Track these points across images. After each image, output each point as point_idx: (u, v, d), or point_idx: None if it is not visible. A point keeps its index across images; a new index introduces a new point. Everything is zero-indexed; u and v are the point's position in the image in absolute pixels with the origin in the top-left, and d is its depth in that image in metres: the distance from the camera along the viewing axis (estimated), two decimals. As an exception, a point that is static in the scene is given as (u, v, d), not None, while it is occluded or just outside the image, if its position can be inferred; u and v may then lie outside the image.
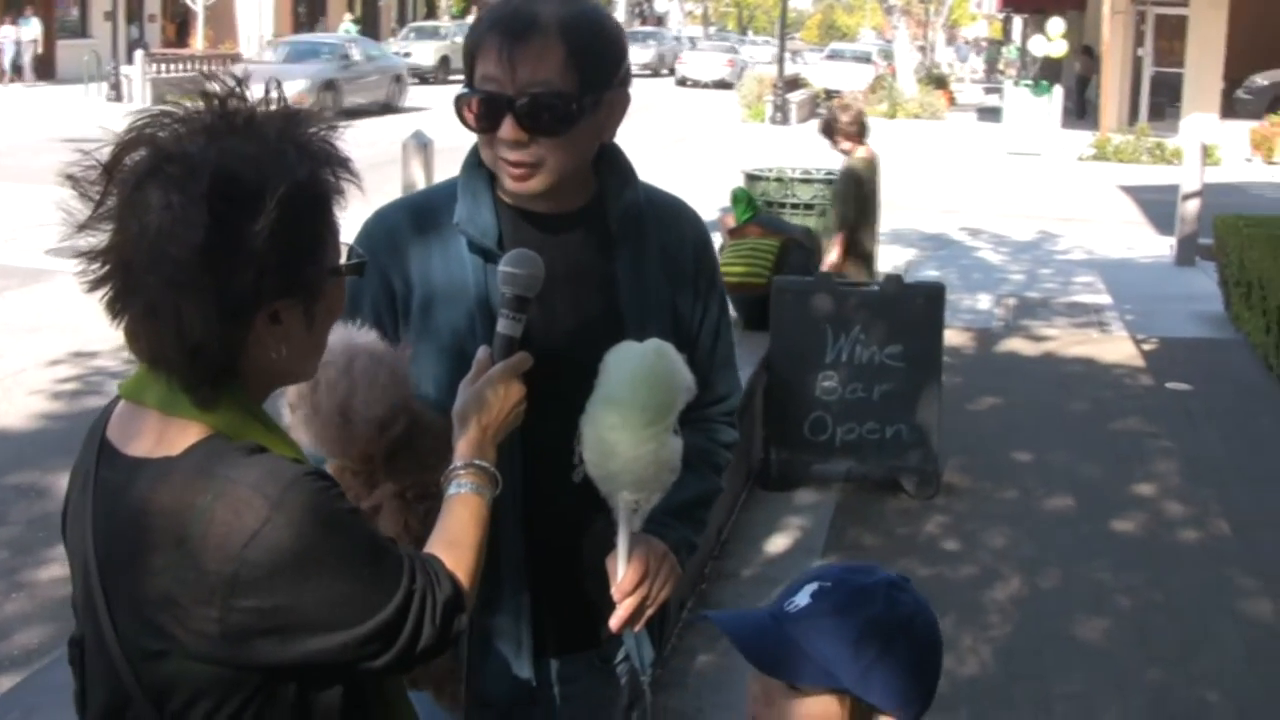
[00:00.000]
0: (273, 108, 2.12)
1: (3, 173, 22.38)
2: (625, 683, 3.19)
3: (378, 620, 2.09)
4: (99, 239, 2.05)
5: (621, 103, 2.85)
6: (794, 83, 43.50)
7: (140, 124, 2.09)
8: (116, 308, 2.07)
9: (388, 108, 39.06)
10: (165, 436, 2.09)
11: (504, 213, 2.86)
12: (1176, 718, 5.99)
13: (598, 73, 2.75)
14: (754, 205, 10.03)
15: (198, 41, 48.32)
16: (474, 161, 2.90)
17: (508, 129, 2.69)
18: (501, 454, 2.56)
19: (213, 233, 1.98)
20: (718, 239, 10.42)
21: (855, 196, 10.21)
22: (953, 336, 11.48)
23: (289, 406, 2.60)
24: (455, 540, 2.34)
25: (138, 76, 36.73)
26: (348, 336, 2.60)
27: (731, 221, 9.92)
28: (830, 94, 45.69)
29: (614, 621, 2.80)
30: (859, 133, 10.54)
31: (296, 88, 28.90)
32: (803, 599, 2.30)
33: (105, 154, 2.07)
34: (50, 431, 9.63)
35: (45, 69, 44.69)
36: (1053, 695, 6.09)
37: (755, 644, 2.32)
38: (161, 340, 2.05)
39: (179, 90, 2.12)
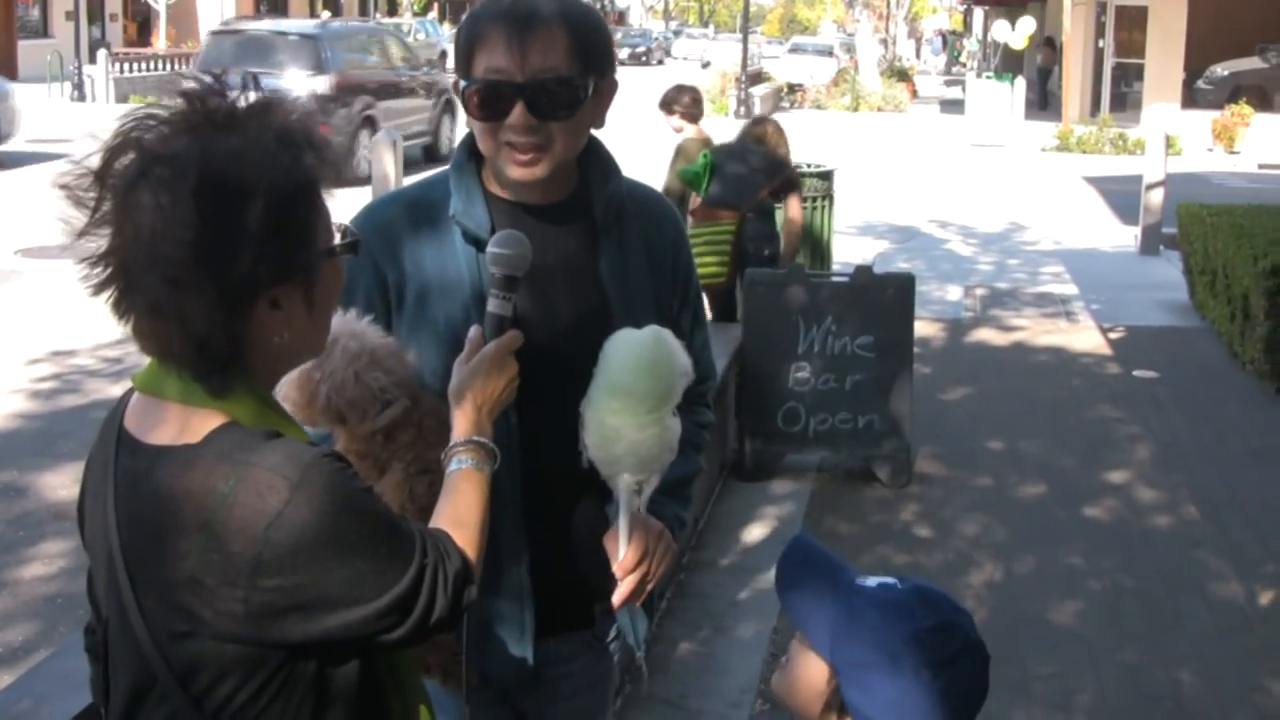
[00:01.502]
0: (252, 100, 2.17)
1: (-32, 174, 22.28)
2: (617, 660, 3.29)
3: (394, 594, 2.15)
4: (99, 244, 2.11)
5: (611, 90, 2.95)
6: (757, 77, 43.54)
7: (126, 128, 2.14)
8: (121, 308, 2.13)
9: None
10: (186, 425, 2.14)
11: (495, 205, 2.94)
12: (1150, 696, 6.08)
13: (596, 60, 2.85)
14: (707, 168, 9.69)
15: (160, 40, 48.10)
16: (463, 158, 2.98)
17: (518, 115, 2.77)
18: (498, 440, 2.64)
19: (205, 229, 2.04)
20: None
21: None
22: (923, 327, 11.56)
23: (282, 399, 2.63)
24: (460, 516, 2.41)
25: (101, 76, 36.57)
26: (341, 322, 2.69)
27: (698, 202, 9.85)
28: (794, 88, 45.83)
29: (616, 598, 2.88)
30: (695, 115, 11.00)
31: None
32: (872, 582, 2.39)
33: (95, 160, 2.12)
34: (28, 431, 9.65)
35: (7, 69, 44.50)
36: (1030, 676, 6.18)
37: (810, 571, 2.45)
38: (168, 337, 2.11)
39: (159, 91, 2.18)
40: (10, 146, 24.02)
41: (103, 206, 2.11)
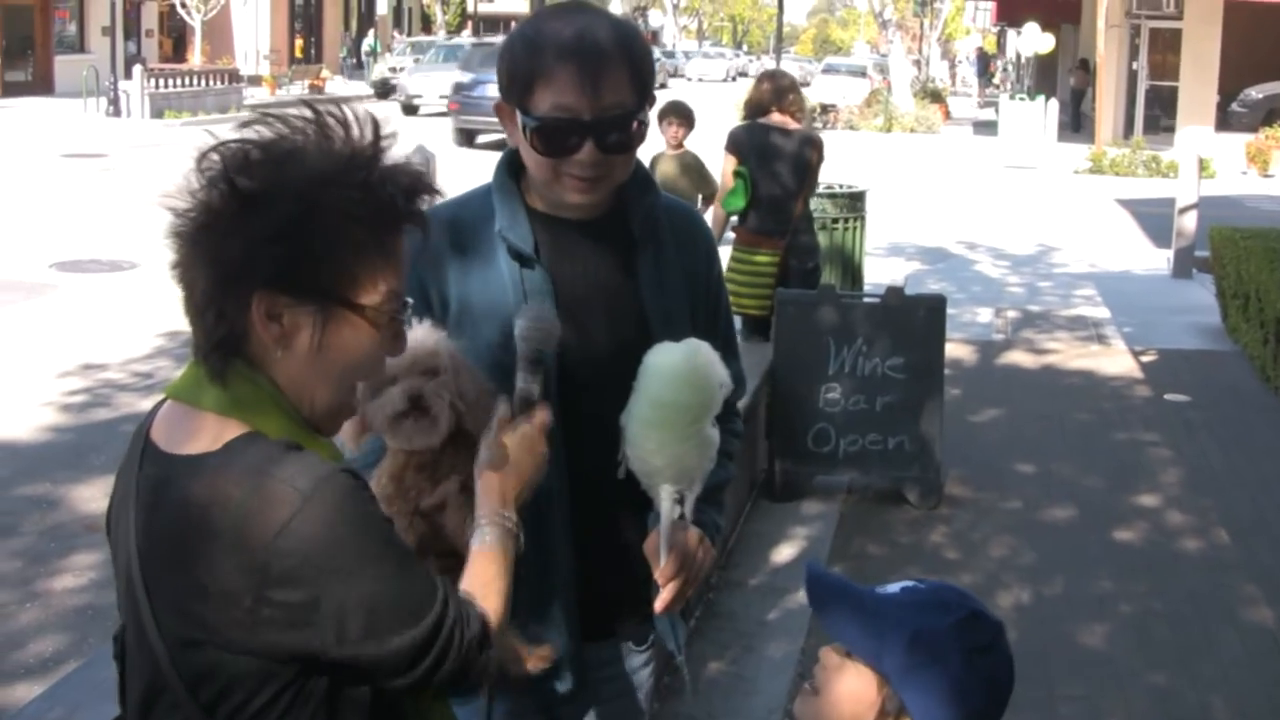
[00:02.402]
0: (371, 142, 2.21)
1: (5, 187, 22.39)
2: (653, 666, 3.31)
3: (407, 638, 2.14)
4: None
5: (651, 109, 2.98)
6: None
7: (251, 120, 2.23)
8: (173, 275, 2.21)
9: None
10: (205, 433, 2.16)
11: (536, 220, 2.97)
12: (1179, 722, 6.08)
13: (649, 87, 2.90)
14: (747, 188, 9.78)
15: (195, 56, 48.37)
16: (504, 171, 3.01)
17: (588, 153, 2.81)
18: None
19: (227, 201, 2.12)
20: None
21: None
22: (953, 349, 11.54)
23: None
24: (483, 589, 2.38)
25: (136, 91, 36.79)
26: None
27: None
28: (826, 108, 45.80)
29: (659, 604, 2.91)
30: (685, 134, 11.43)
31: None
32: (894, 588, 2.45)
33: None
34: (60, 443, 9.69)
35: (44, 84, 44.75)
36: (1058, 698, 6.17)
37: (831, 596, 2.48)
38: (184, 305, 2.19)
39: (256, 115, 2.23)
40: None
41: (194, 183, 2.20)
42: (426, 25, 69.91)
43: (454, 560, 2.81)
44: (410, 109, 42.15)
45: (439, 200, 2.34)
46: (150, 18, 52.39)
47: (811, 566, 2.57)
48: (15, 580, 7.34)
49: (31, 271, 15.76)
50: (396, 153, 2.25)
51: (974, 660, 2.37)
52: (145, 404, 10.34)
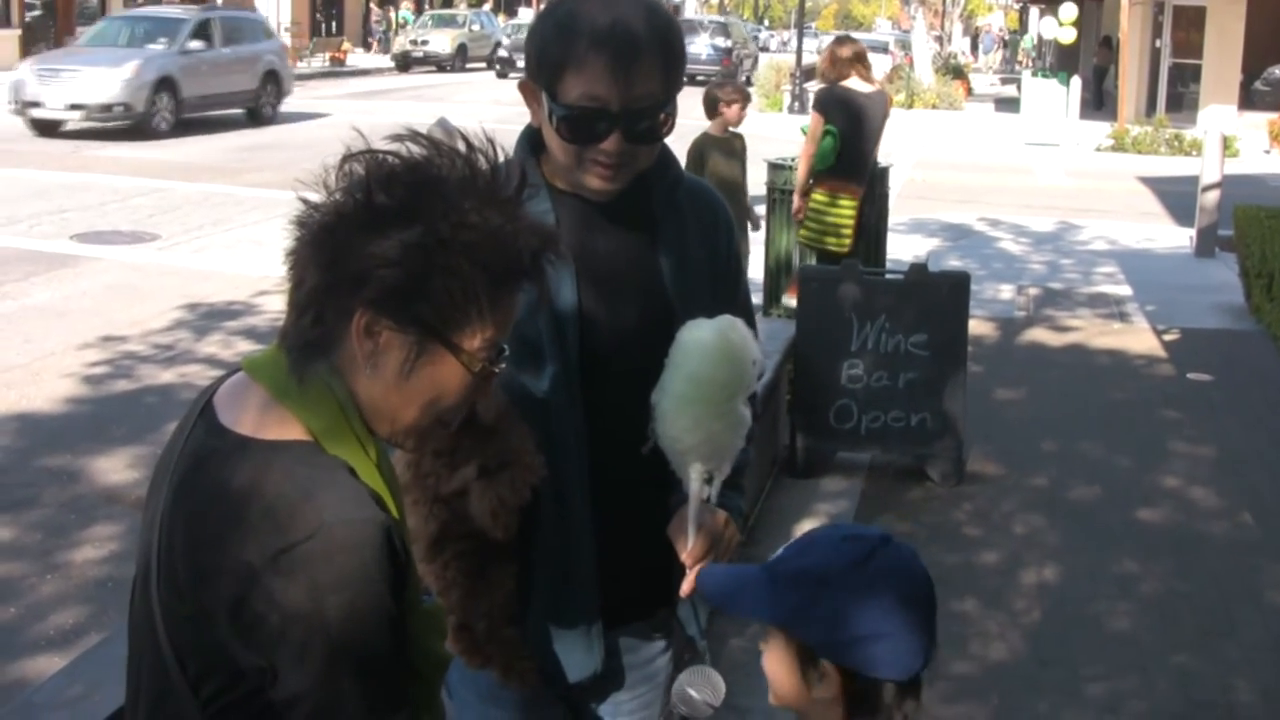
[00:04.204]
0: (509, 188, 2.21)
1: (27, 159, 22.44)
2: (673, 653, 3.29)
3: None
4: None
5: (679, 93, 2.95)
6: (811, 73, 43.37)
7: (407, 135, 2.22)
8: (288, 260, 2.18)
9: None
10: (264, 420, 2.15)
11: (556, 197, 2.96)
12: (1202, 703, 6.03)
13: (679, 77, 2.88)
14: (836, 144, 10.84)
15: (216, 30, 48.29)
16: (525, 147, 2.99)
17: (614, 142, 2.80)
18: (566, 431, 2.63)
19: (359, 211, 2.09)
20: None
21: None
22: (975, 326, 11.47)
23: None
24: None
25: (157, 63, 36.77)
26: None
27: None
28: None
29: (685, 587, 2.88)
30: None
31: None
32: (782, 549, 2.45)
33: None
34: (80, 415, 9.70)
35: (65, 55, 44.73)
36: (1080, 679, 6.15)
37: (723, 587, 2.55)
38: (291, 295, 2.16)
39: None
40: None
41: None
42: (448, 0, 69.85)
43: (473, 544, 2.80)
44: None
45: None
46: (171, -5, 52.45)
47: (703, 580, 2.62)
48: (36, 552, 7.35)
49: (52, 243, 15.76)
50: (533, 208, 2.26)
51: (858, 569, 2.33)
52: (166, 376, 10.40)
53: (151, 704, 2.22)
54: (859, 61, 11.08)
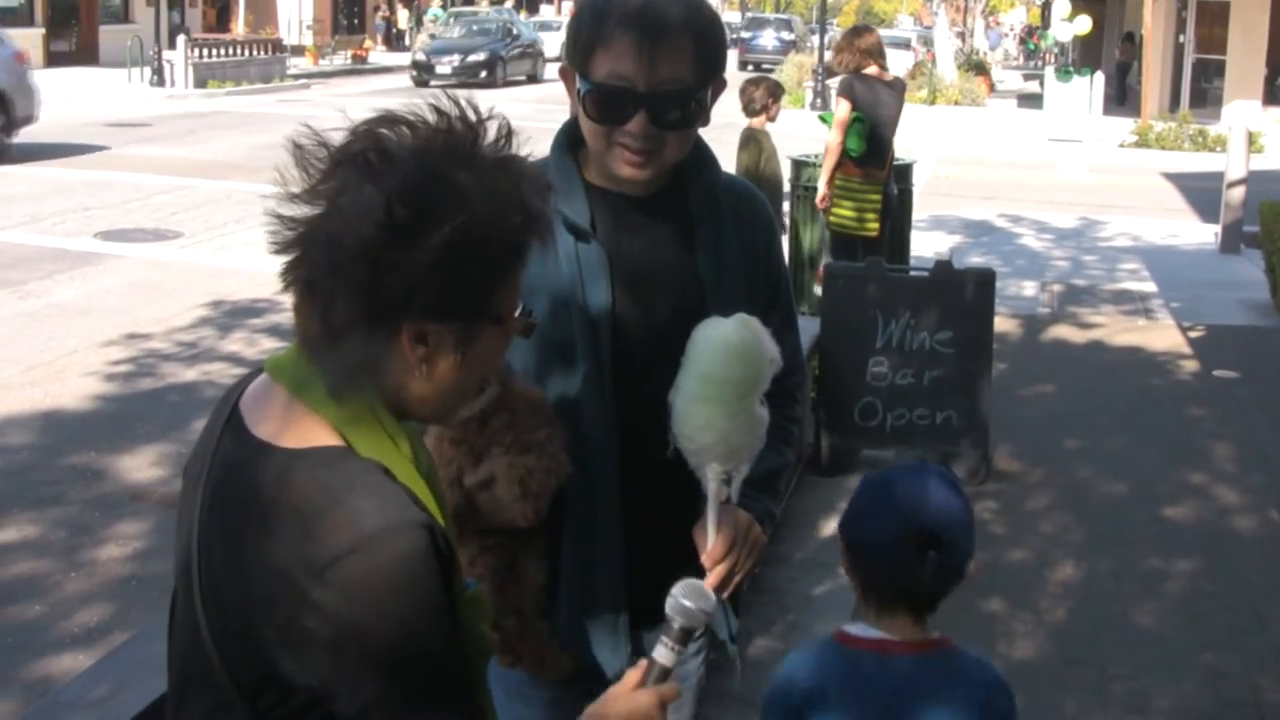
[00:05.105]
0: (498, 145, 2.14)
1: (51, 156, 22.48)
2: (702, 656, 3.27)
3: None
4: (300, 211, 2.07)
5: (720, 88, 2.95)
6: (833, 69, 43.24)
7: (374, 119, 2.12)
8: (287, 278, 2.09)
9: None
10: (293, 426, 2.10)
11: (593, 194, 2.95)
12: (1230, 702, 6.00)
13: (715, 65, 2.87)
14: (864, 130, 11.14)
15: (238, 26, 48.49)
16: (563, 144, 2.98)
17: (639, 124, 2.79)
18: (596, 431, 2.61)
19: (383, 232, 2.00)
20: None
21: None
22: (999, 323, 11.42)
23: None
24: None
25: (180, 61, 36.88)
26: None
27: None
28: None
29: (706, 586, 2.85)
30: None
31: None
32: None
33: (335, 136, 2.11)
34: (104, 413, 9.71)
35: (89, 54, 44.88)
36: (1108, 678, 6.12)
37: None
38: (311, 319, 2.07)
39: (434, 99, 2.14)
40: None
41: (322, 178, 2.07)
42: (469, -4, 69.85)
43: (501, 538, 2.79)
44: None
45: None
46: (194, -13, 52.53)
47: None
48: (60, 550, 7.35)
49: (76, 241, 15.80)
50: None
51: None
52: (190, 374, 10.42)
53: (204, 718, 2.17)
54: (877, 54, 11.42)
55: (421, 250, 2.01)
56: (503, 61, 44.26)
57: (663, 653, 2.43)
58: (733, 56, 49.48)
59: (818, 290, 11.07)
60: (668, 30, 2.75)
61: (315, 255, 2.04)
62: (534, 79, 46.08)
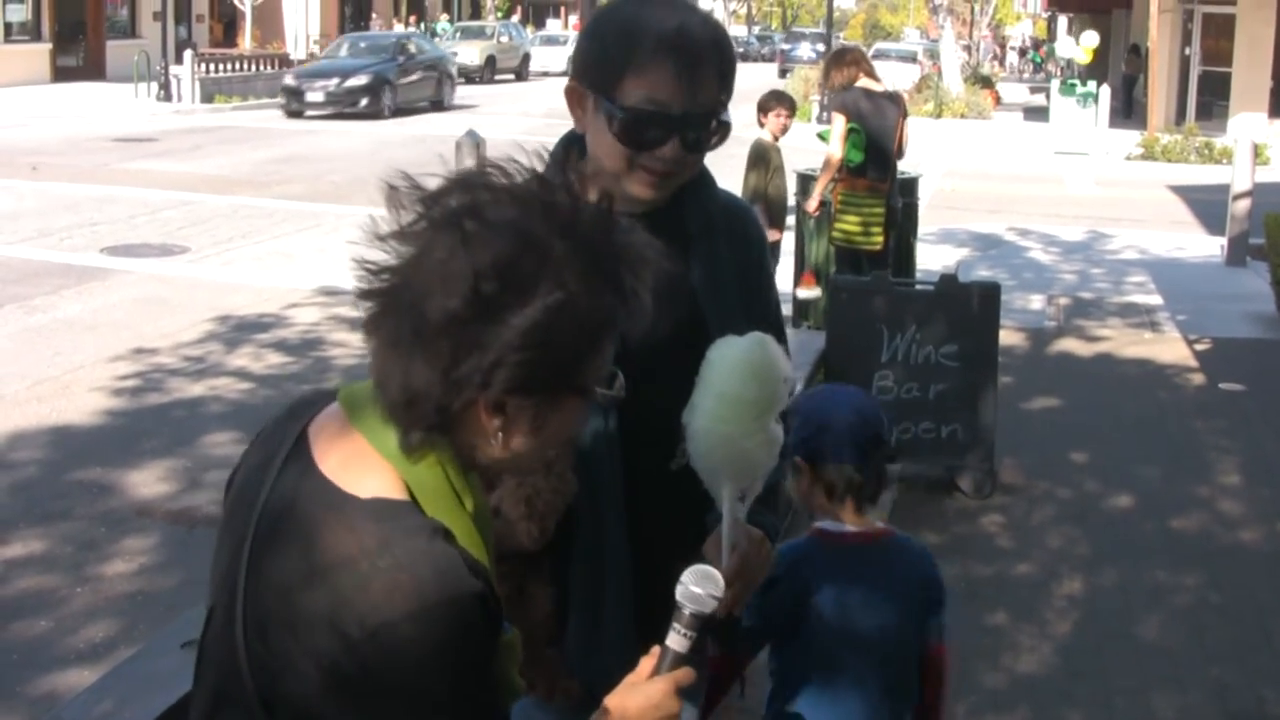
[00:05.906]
0: (597, 219, 2.09)
1: (57, 171, 22.53)
2: (709, 671, 3.27)
3: None
4: (388, 257, 2.02)
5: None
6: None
7: (476, 172, 2.07)
8: (370, 327, 2.05)
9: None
10: (360, 469, 2.07)
11: None
12: (1237, 715, 5.99)
13: (732, 83, 2.87)
14: (862, 142, 11.17)
15: (245, 41, 48.57)
16: (560, 158, 2.96)
17: (673, 149, 2.78)
18: (601, 449, 2.61)
19: (471, 304, 1.95)
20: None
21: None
22: (1005, 336, 11.42)
23: None
24: None
25: (187, 76, 36.95)
26: None
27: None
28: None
29: (720, 607, 2.85)
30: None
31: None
32: None
33: (433, 182, 2.06)
34: (111, 428, 9.71)
35: (96, 68, 44.97)
36: (1113, 691, 6.11)
37: None
38: (389, 374, 2.02)
39: (534, 157, 2.11)
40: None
41: (413, 225, 2.02)
42: (476, 10, 69.94)
43: (509, 566, 2.78)
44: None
45: None
46: (201, 3, 52.57)
47: None
48: (67, 565, 7.35)
49: (82, 256, 15.81)
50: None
51: None
52: (196, 389, 10.42)
53: None
54: (863, 63, 11.57)
55: (507, 328, 1.97)
56: (390, 86, 36.78)
57: (675, 639, 2.43)
58: (773, 67, 62.32)
59: (800, 293, 11.55)
60: (703, 54, 2.75)
61: (398, 316, 2.01)
62: (439, 105, 39.38)
